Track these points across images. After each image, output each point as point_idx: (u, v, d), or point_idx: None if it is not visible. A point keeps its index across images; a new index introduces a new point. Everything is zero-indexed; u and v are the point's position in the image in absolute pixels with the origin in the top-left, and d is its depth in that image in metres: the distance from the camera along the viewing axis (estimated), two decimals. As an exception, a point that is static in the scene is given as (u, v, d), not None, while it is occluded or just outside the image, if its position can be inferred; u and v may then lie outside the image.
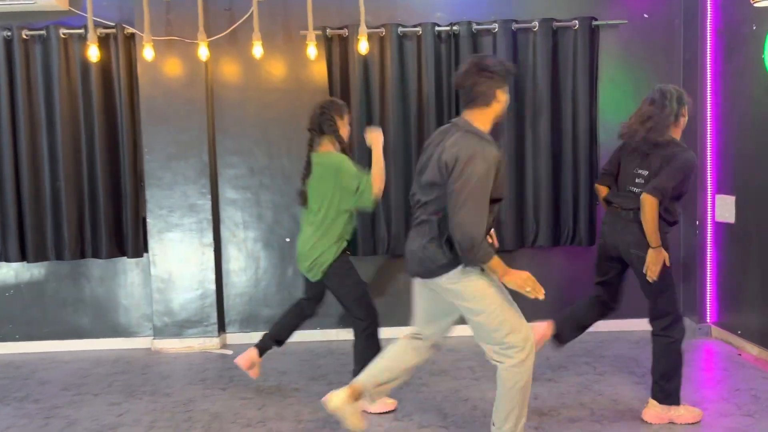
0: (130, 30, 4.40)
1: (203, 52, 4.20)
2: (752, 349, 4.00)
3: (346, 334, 3.95)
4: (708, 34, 4.33)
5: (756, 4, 3.31)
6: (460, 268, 2.51)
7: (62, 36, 4.36)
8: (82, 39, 4.36)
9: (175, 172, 4.49)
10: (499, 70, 2.54)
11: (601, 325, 4.16)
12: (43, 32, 4.34)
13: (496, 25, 4.42)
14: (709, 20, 4.33)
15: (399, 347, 2.83)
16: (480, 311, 2.53)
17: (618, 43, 4.56)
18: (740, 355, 4.03)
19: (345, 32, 4.42)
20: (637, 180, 3.07)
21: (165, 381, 3.88)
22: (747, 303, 4.07)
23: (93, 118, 4.42)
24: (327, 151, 3.30)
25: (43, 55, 4.39)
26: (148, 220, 4.51)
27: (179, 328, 4.55)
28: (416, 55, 4.44)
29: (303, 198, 3.34)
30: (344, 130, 3.34)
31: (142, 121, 4.46)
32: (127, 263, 4.63)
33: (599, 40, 4.48)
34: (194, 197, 4.50)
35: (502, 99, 2.58)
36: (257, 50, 4.20)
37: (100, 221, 4.46)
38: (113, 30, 4.37)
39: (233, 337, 4.66)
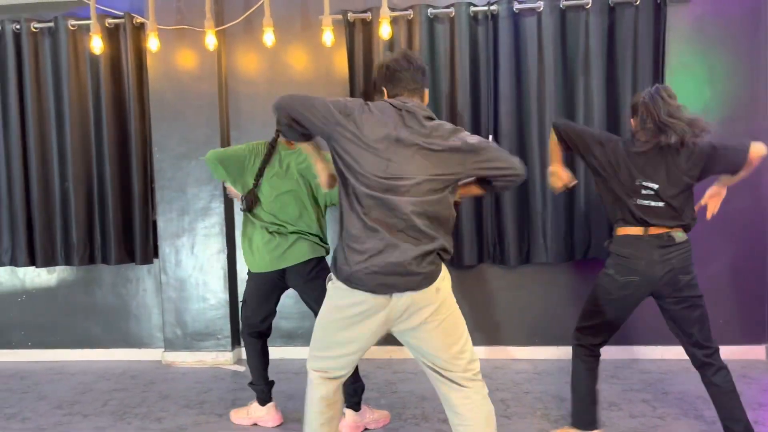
0: (140, 19, 4.10)
1: (210, 40, 3.82)
2: None
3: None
4: (802, 6, 3.59)
5: None
6: None
7: (71, 28, 4.11)
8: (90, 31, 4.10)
9: (187, 173, 4.16)
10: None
11: (667, 352, 3.59)
12: (51, 24, 4.10)
13: (541, 4, 3.82)
14: (804, -11, 3.58)
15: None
16: None
17: (689, 20, 3.87)
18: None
19: (368, 16, 3.95)
20: (644, 192, 2.55)
21: (162, 402, 3.53)
22: None
23: (102, 114, 4.15)
24: None
25: (52, 48, 4.15)
26: (158, 223, 4.21)
27: (191, 340, 4.23)
28: (449, 39, 3.92)
29: None
30: None
31: (152, 117, 4.15)
32: (138, 269, 4.35)
33: (666, 18, 3.80)
34: (207, 200, 4.16)
35: None
36: (268, 37, 3.79)
37: (109, 225, 4.18)
38: (122, 20, 4.08)
39: (241, 352, 4.28)
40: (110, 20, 4.07)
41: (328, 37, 3.77)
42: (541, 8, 3.82)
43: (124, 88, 4.18)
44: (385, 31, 3.74)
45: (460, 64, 3.90)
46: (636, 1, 3.77)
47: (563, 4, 3.82)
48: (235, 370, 4.08)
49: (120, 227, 4.20)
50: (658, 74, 3.80)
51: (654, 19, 3.78)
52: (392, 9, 3.87)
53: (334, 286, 2.15)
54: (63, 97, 4.15)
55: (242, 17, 4.08)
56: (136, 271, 4.36)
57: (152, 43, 3.85)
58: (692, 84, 3.90)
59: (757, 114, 3.88)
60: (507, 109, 3.89)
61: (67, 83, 4.12)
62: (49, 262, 4.24)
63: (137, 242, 4.19)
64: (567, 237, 3.94)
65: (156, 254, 4.25)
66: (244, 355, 4.28)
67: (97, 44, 3.86)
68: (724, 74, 3.89)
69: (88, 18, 4.03)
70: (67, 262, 4.24)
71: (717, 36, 3.87)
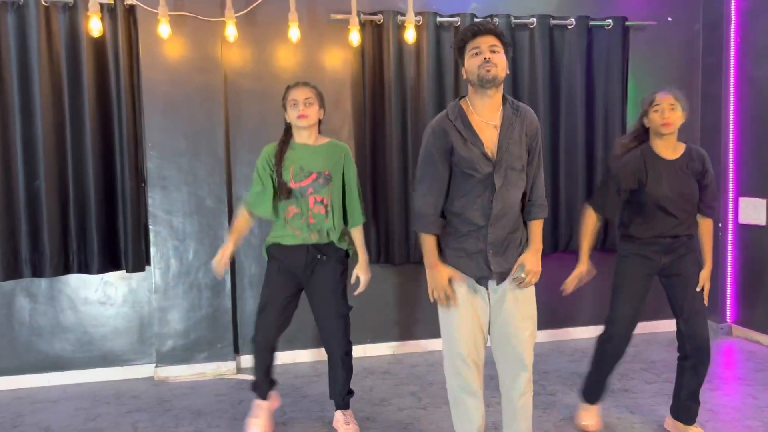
0: (131, 1, 3.70)
1: (231, 31, 3.61)
2: (786, 347, 4.13)
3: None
4: (732, 40, 4.43)
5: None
6: None
7: (44, 4, 3.58)
8: (70, 9, 3.62)
9: (184, 171, 3.85)
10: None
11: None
12: (18, -2, 3.54)
13: (534, 20, 4.23)
14: (732, 26, 4.42)
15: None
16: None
17: (645, 44, 4.55)
18: (775, 352, 4.15)
19: (380, 18, 4.02)
20: None
21: (190, 417, 3.27)
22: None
23: (83, 105, 3.67)
24: None
25: (18, 26, 3.58)
26: (150, 226, 3.83)
27: (188, 352, 3.91)
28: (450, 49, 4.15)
29: None
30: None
31: (144, 110, 3.78)
32: (118, 277, 3.91)
33: (629, 41, 4.44)
34: (205, 199, 3.89)
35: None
36: (294, 33, 3.70)
37: (91, 229, 3.71)
38: (110, 1, 3.65)
39: (249, 360, 4.08)
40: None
41: (354, 36, 3.78)
42: (534, 24, 4.23)
43: (110, 77, 3.74)
44: (410, 35, 3.87)
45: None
46: (609, 25, 4.35)
47: (551, 22, 4.26)
48: (240, 379, 3.88)
49: (103, 232, 3.75)
50: (624, 86, 4.41)
51: (622, 41, 4.39)
52: (402, 14, 4.01)
53: None
54: (32, 82, 3.59)
55: (248, 9, 3.89)
56: (116, 279, 3.91)
57: (163, 29, 3.52)
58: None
59: (692, 125, 4.67)
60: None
61: (37, 68, 3.58)
62: (11, 274, 3.63)
63: (128, 248, 3.77)
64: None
65: (148, 261, 3.87)
66: (244, 364, 4.08)
67: (95, 26, 3.44)
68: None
69: (64, -7, 3.56)
70: (36, 273, 3.67)
71: (664, 58, 4.59)
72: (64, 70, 3.66)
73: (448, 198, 2.36)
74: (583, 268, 2.87)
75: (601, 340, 2.90)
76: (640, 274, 2.83)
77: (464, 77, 2.35)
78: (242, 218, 2.98)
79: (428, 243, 2.38)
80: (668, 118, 2.70)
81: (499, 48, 2.28)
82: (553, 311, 4.38)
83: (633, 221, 2.84)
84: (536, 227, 2.42)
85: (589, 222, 2.88)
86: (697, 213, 2.85)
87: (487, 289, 2.39)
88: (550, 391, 3.54)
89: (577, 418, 3.05)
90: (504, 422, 2.52)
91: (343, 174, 2.95)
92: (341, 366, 2.96)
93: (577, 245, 3.00)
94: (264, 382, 3.06)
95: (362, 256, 3.01)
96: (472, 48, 2.28)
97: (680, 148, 2.81)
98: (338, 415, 3.05)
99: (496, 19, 4.16)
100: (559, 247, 4.41)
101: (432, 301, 2.40)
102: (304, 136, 2.91)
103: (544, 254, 2.64)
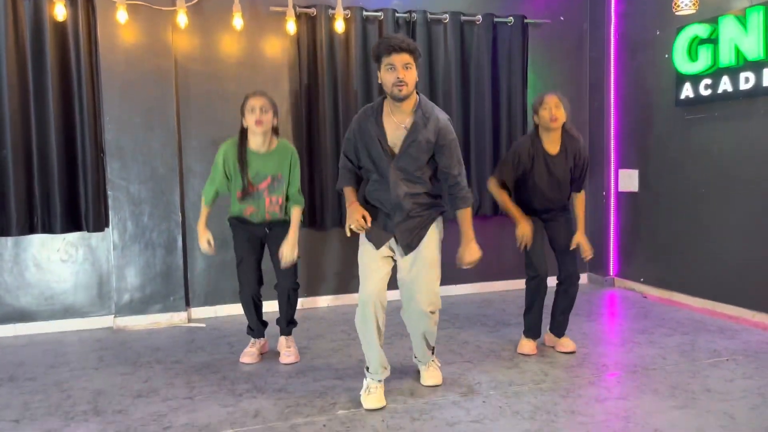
0: (91, -10, 4.17)
1: (182, 19, 4.13)
2: (654, 292, 4.98)
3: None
4: (612, 37, 5.26)
5: (678, 12, 4.18)
6: None
7: (9, -10, 4.00)
8: (34, -6, 4.05)
9: (139, 143, 4.34)
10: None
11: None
12: (-15, -16, 3.95)
13: (446, 16, 4.92)
14: (612, 26, 5.25)
15: None
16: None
17: (541, 39, 5.32)
18: (645, 297, 4.99)
19: (313, 11, 4.62)
20: None
21: (157, 354, 3.79)
22: (650, 255, 5.04)
23: (46, 82, 4.11)
24: None
25: (-15, 9, 3.99)
26: (108, 192, 4.30)
27: (144, 304, 4.40)
28: (378, 37, 4.78)
29: None
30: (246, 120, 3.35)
31: (103, 88, 4.25)
32: (79, 237, 4.36)
33: (528, 36, 5.19)
34: (158, 168, 4.39)
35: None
36: (237, 22, 4.25)
37: (54, 193, 4.16)
38: (71, -12, 4.11)
39: (198, 311, 4.61)
40: (57, -12, 4.07)
41: (290, 26, 4.37)
42: (447, 20, 4.92)
43: (70, 58, 4.18)
44: (339, 25, 4.51)
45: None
46: (510, 22, 5.09)
47: (462, 18, 4.97)
48: (195, 326, 4.38)
49: (66, 196, 4.19)
50: (524, 75, 5.17)
51: (521, 36, 5.14)
52: (331, 7, 4.62)
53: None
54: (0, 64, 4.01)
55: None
56: (75, 239, 4.35)
57: (120, 16, 4.01)
58: (541, 86, 5.35)
59: (581, 110, 5.49)
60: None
61: (4, 49, 4.00)
62: (-20, 233, 4.04)
63: (89, 210, 4.24)
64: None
65: (107, 222, 4.33)
66: (194, 315, 4.59)
67: (60, 12, 3.89)
68: (561, 81, 5.43)
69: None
70: (3, 233, 4.09)
71: (558, 53, 5.39)
72: (28, 52, 4.08)
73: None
74: (524, 224, 3.43)
75: (529, 279, 3.56)
76: (536, 228, 3.51)
77: (379, 81, 2.75)
78: (204, 208, 3.48)
79: (347, 192, 2.96)
80: (555, 114, 3.36)
81: (412, 64, 2.67)
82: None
83: (521, 196, 3.55)
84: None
85: (498, 190, 3.49)
86: (570, 191, 3.55)
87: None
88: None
89: (518, 348, 3.66)
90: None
91: (289, 172, 3.44)
92: (288, 299, 3.53)
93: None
94: (257, 324, 3.59)
95: (291, 233, 3.37)
96: (387, 63, 2.66)
97: (559, 143, 3.46)
98: (281, 339, 3.63)
99: (414, 14, 4.83)
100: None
101: (348, 234, 2.85)
102: (258, 142, 3.32)
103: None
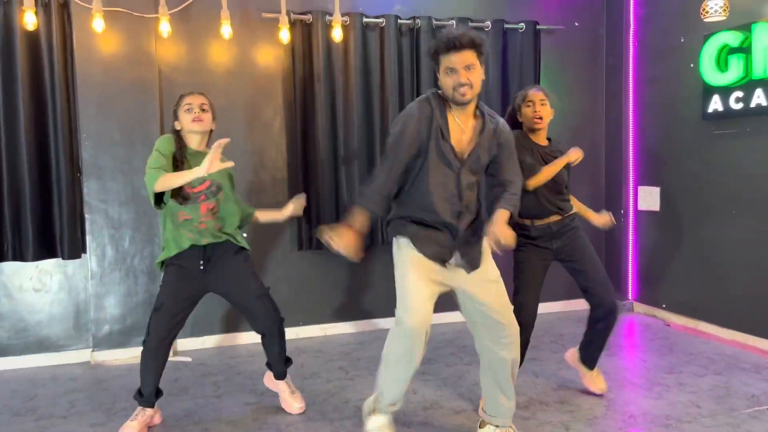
0: (65, -4, 3.82)
1: (165, 27, 3.78)
2: (678, 320, 4.61)
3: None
4: (631, 43, 4.89)
5: (706, 19, 3.82)
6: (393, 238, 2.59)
7: (-25, -4, 3.66)
8: (4, 3, 3.71)
9: (119, 160, 3.99)
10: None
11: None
12: (-51, -10, 3.61)
13: (453, 23, 4.56)
14: (631, 31, 4.89)
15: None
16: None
17: (554, 46, 4.96)
18: (668, 325, 4.62)
19: (309, 18, 4.26)
20: None
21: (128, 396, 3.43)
22: (672, 280, 4.66)
23: (17, 96, 3.77)
24: None
25: (-51, 17, 3.65)
26: (86, 215, 3.95)
27: (124, 336, 4.04)
28: (379, 45, 4.43)
29: None
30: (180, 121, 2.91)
31: (79, 101, 3.90)
32: (54, 265, 4.01)
33: (540, 42, 4.83)
34: (141, 189, 4.04)
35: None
36: (226, 30, 3.90)
37: (26, 217, 3.81)
38: (44, -6, 3.76)
39: (184, 343, 4.25)
40: (29, -7, 3.72)
41: (284, 34, 4.02)
42: (454, 26, 4.56)
43: (43, 69, 3.84)
44: (337, 33, 4.13)
45: (389, 68, 4.42)
46: (522, 28, 4.73)
47: (470, 25, 4.61)
48: (181, 360, 4.03)
49: (38, 220, 3.84)
50: (536, 84, 4.79)
51: (533, 43, 4.78)
52: (329, 14, 4.26)
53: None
54: (-37, 73, 3.67)
55: (183, 5, 4.06)
56: (50, 267, 4.00)
57: (97, 24, 3.66)
58: (555, 97, 4.98)
59: (597, 121, 5.12)
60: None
61: (-31, 58, 3.66)
62: (-57, 262, 3.69)
63: (64, 235, 3.88)
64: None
65: (84, 248, 3.98)
66: (180, 347, 4.24)
67: (30, 20, 3.54)
68: (576, 89, 5.06)
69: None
70: (-31, 261, 3.74)
71: (572, 60, 5.02)
72: (-5, 61, 3.74)
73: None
74: (571, 150, 3.02)
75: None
76: (538, 266, 3.12)
77: (438, 84, 2.42)
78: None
79: (362, 217, 2.39)
80: (540, 111, 3.00)
81: (476, 63, 2.33)
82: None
83: (524, 202, 3.09)
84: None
85: (536, 176, 3.04)
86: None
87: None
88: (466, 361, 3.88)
89: None
90: None
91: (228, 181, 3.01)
92: (279, 337, 3.07)
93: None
94: (151, 390, 2.92)
95: (274, 213, 3.22)
96: (446, 66, 2.32)
97: (545, 142, 3.10)
98: (282, 385, 3.21)
99: (418, 21, 4.47)
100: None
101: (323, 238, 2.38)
102: (195, 143, 2.90)
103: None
